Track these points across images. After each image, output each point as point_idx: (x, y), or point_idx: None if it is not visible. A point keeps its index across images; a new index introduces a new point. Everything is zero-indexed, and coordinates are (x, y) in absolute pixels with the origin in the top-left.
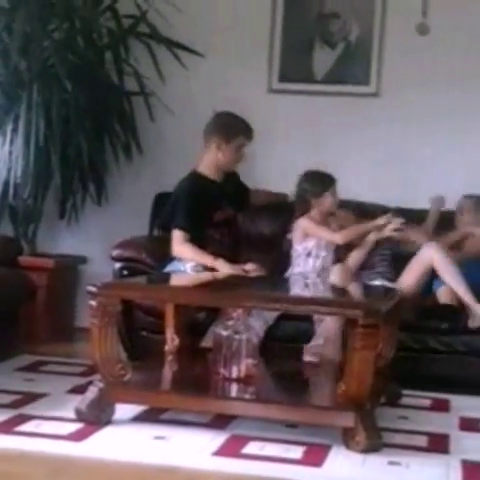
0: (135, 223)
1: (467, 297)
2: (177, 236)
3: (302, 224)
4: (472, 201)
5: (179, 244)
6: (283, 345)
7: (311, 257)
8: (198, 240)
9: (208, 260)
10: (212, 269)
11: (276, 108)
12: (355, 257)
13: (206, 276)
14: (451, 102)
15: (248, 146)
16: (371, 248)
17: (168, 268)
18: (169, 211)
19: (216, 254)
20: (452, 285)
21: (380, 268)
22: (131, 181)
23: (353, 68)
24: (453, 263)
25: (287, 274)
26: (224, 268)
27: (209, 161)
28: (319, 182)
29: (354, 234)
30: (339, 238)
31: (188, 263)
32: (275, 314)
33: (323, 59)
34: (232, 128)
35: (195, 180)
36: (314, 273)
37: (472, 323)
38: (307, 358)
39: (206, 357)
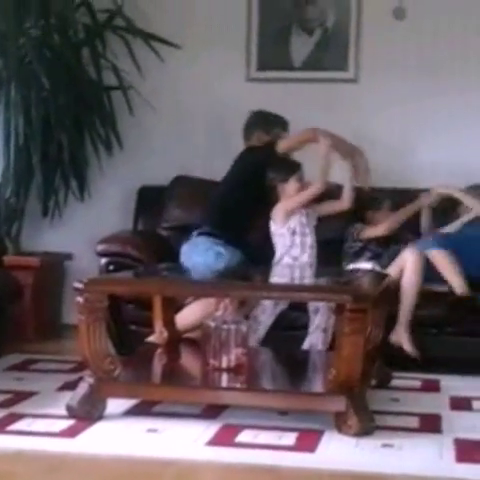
0: (119, 218)
1: (404, 317)
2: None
3: (280, 207)
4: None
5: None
6: (274, 333)
7: (297, 235)
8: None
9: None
10: None
11: (255, 96)
12: None
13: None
14: (429, 86)
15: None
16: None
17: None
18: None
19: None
20: (406, 294)
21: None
22: (113, 176)
23: (331, 54)
24: (421, 275)
25: (275, 260)
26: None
27: None
28: (283, 168)
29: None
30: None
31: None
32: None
33: (301, 46)
34: (269, 121)
35: None
36: (305, 253)
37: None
38: (306, 346)
39: (196, 349)
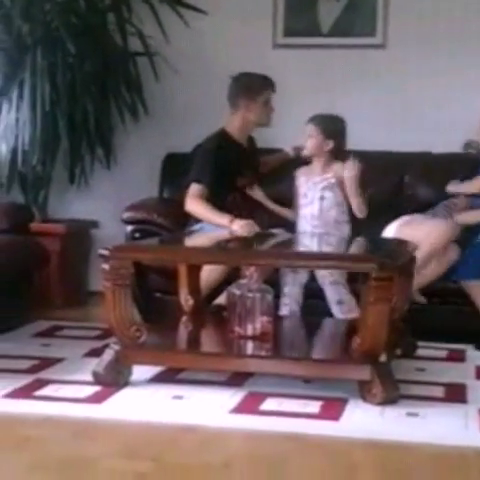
0: (145, 185)
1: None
2: (193, 189)
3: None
4: None
5: (194, 198)
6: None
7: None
8: (219, 204)
9: (224, 220)
10: None
11: (282, 63)
12: None
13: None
14: (458, 51)
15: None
16: None
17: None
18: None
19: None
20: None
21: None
22: (139, 143)
23: (359, 20)
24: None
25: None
26: (239, 227)
27: (238, 124)
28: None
29: None
30: None
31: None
32: (306, 274)
33: (328, 11)
34: (254, 86)
35: (223, 137)
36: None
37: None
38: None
39: (221, 317)
